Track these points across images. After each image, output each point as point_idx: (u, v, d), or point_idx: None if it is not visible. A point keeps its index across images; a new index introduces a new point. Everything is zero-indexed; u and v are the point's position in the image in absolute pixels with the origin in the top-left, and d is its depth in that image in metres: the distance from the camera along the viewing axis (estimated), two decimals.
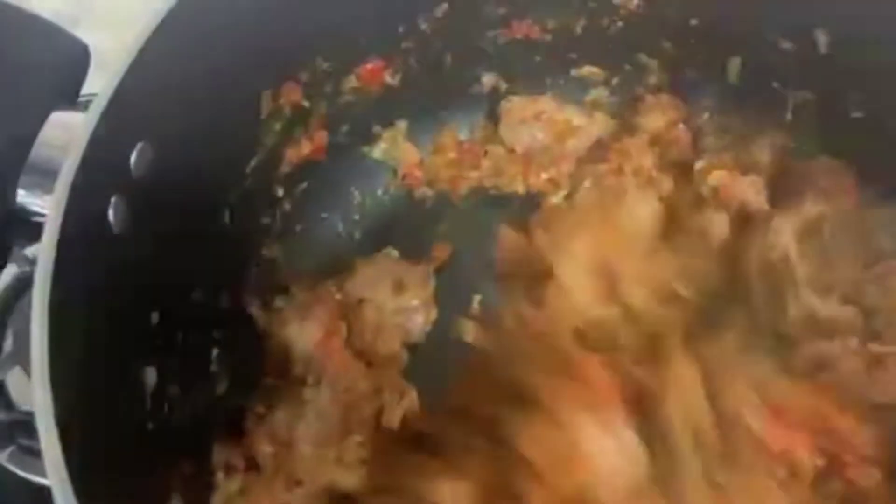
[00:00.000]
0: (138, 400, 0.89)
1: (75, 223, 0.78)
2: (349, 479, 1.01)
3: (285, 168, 1.17)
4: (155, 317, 0.95)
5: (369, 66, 1.17)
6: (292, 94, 1.11)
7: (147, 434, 0.90)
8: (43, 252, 0.75)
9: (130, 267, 0.87)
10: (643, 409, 0.92)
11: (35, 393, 0.69)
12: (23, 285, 1.18)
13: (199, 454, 1.01)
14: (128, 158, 0.85)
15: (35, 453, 1.17)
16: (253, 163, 1.12)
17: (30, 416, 0.99)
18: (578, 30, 1.22)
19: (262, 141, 1.12)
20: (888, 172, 1.12)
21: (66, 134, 0.85)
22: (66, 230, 0.76)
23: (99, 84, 0.82)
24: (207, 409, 1.04)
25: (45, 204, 0.83)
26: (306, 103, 1.14)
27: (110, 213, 0.83)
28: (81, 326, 0.78)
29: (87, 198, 0.79)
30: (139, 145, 0.86)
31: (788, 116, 1.20)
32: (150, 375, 0.93)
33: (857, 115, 1.14)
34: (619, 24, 1.21)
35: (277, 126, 1.13)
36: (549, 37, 1.23)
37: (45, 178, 0.82)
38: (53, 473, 0.67)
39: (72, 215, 0.77)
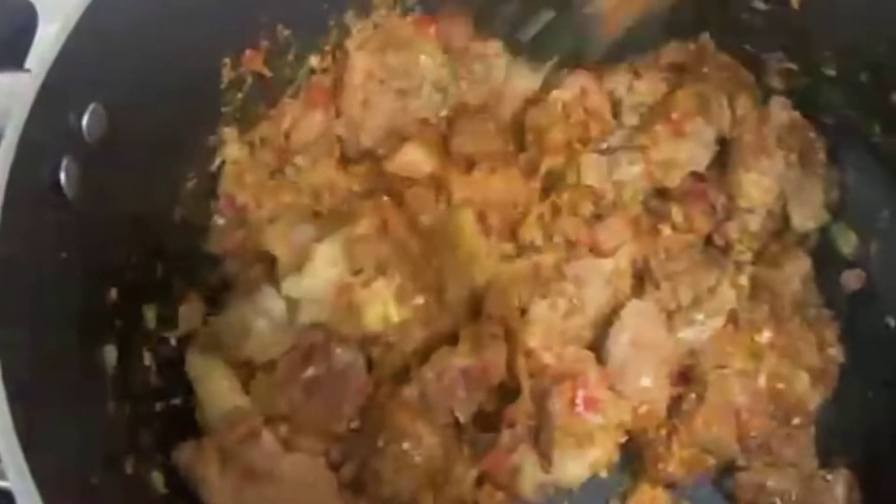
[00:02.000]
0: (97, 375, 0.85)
1: (24, 185, 0.74)
2: None
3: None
4: (113, 293, 0.91)
5: None
6: (253, 63, 1.07)
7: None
8: None
9: (87, 236, 0.83)
10: None
11: None
12: None
13: None
14: (79, 120, 0.81)
15: None
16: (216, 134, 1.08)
17: None
18: None
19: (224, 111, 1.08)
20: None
21: (8, 96, 0.80)
22: (13, 192, 0.72)
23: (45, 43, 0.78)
24: None
25: None
26: (268, 73, 1.10)
27: (62, 176, 0.78)
28: (28, 293, 0.73)
29: (35, 159, 0.75)
30: (91, 106, 0.81)
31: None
32: (111, 354, 0.89)
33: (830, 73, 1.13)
34: None
35: (238, 97, 1.09)
36: None
37: None
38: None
39: (19, 177, 0.73)
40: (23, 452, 0.63)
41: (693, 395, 1.04)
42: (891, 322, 1.11)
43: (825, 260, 1.15)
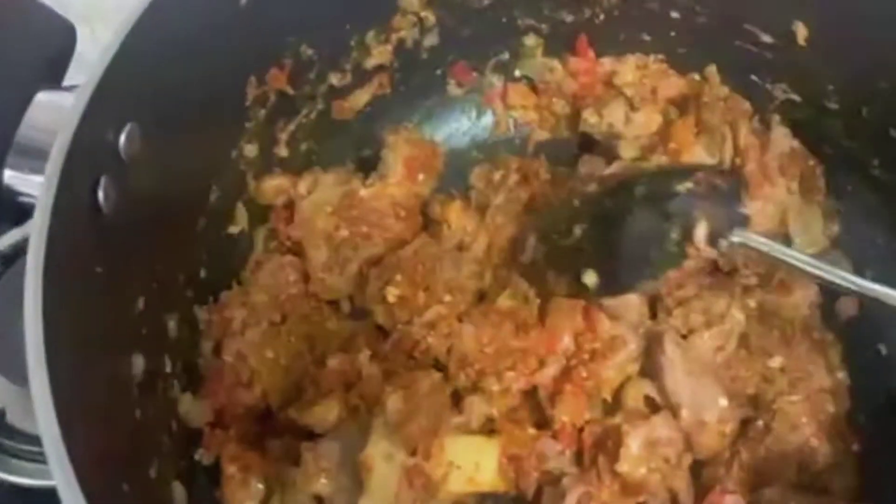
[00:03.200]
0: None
1: (66, 205, 0.76)
2: None
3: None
4: (141, 303, 0.94)
5: None
6: (276, 81, 1.11)
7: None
8: (35, 234, 0.73)
9: (120, 249, 0.86)
10: None
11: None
12: None
13: None
14: (117, 139, 0.84)
15: (11, 453, 1.16)
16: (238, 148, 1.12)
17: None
18: None
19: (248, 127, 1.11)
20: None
21: (52, 115, 0.83)
22: (58, 213, 0.75)
23: (85, 67, 0.81)
24: None
25: (31, 185, 0.81)
26: (290, 90, 1.13)
27: (100, 194, 0.81)
28: (74, 310, 0.77)
29: (76, 179, 0.78)
30: (128, 126, 0.84)
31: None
32: (138, 362, 0.92)
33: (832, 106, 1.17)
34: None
35: (262, 113, 1.12)
36: None
37: (32, 158, 0.81)
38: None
39: (62, 197, 0.76)
40: (68, 455, 0.66)
41: (760, 423, 1.06)
42: (882, 349, 1.15)
43: (822, 287, 1.19)
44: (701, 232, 0.97)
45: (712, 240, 0.97)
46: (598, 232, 1.06)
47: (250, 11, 0.99)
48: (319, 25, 1.11)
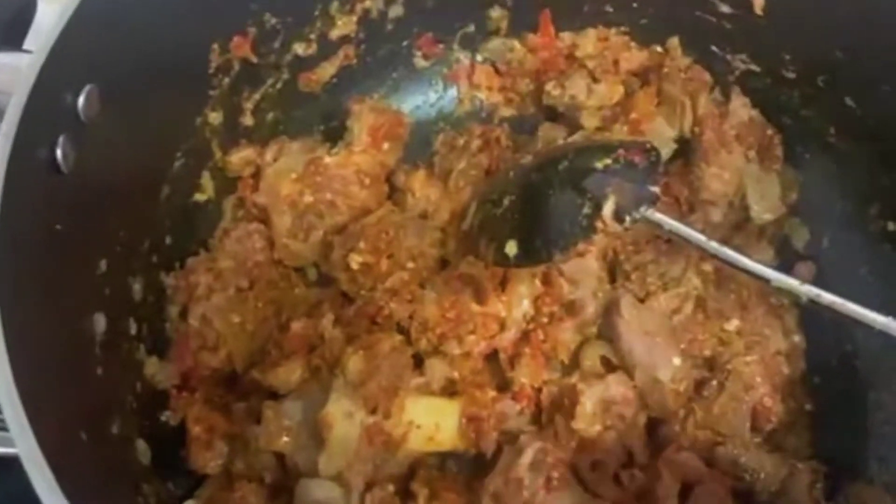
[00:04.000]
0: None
1: (23, 163, 0.78)
2: None
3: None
4: (103, 264, 0.95)
5: None
6: (240, 49, 1.12)
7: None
8: None
9: (80, 209, 0.88)
10: None
11: None
12: None
13: None
14: (75, 101, 0.85)
15: None
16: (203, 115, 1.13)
17: None
18: None
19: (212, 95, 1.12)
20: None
21: (10, 75, 0.85)
22: (14, 170, 0.77)
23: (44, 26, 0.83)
24: None
25: None
26: (254, 59, 1.15)
27: (58, 153, 0.83)
28: (32, 265, 0.78)
29: (33, 136, 0.80)
30: (87, 88, 0.86)
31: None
32: (100, 322, 0.93)
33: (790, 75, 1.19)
34: None
35: (226, 81, 1.13)
36: None
37: None
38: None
39: (18, 153, 0.77)
40: (23, 406, 0.67)
41: (715, 382, 1.08)
42: None
43: (779, 252, 1.22)
44: (609, 208, 0.99)
45: (619, 216, 0.99)
46: (522, 204, 1.08)
47: None
48: None
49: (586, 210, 1.00)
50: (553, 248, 1.02)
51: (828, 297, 0.90)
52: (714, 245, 0.98)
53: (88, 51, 0.87)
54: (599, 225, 0.99)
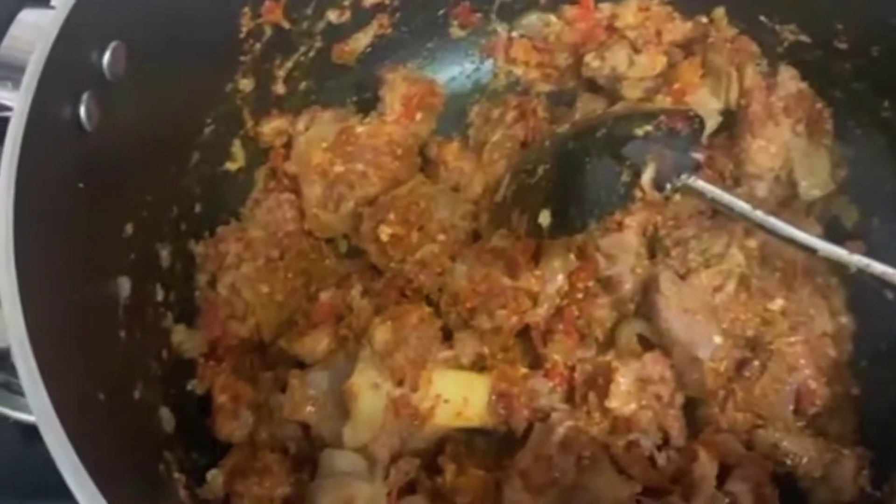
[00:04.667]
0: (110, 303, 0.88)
1: (45, 118, 0.77)
2: None
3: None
4: (129, 228, 0.94)
5: None
6: (272, 14, 1.10)
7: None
8: (8, 144, 0.74)
9: (105, 170, 0.86)
10: None
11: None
12: None
13: None
14: (100, 58, 0.84)
15: (16, 390, 1.17)
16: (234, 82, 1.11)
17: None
18: None
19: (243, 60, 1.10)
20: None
21: (35, 32, 0.83)
22: (34, 123, 0.75)
23: None
24: None
25: (13, 98, 0.81)
26: (287, 24, 1.12)
27: (82, 110, 0.81)
28: (52, 222, 0.77)
29: (55, 92, 0.78)
30: (112, 45, 0.84)
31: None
32: (124, 285, 0.92)
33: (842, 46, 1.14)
34: None
35: (257, 47, 1.11)
36: None
37: (15, 72, 0.81)
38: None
39: (40, 109, 0.76)
40: (36, 361, 0.66)
41: (756, 363, 1.03)
42: (888, 294, 1.12)
43: (828, 231, 1.16)
44: (648, 175, 0.95)
45: (658, 183, 0.95)
46: (557, 173, 1.04)
47: None
48: None
49: (624, 178, 0.96)
50: (588, 217, 0.98)
51: (879, 267, 0.85)
52: (759, 214, 0.93)
53: (115, 7, 0.85)
54: (638, 193, 0.95)
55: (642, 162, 0.96)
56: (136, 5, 0.87)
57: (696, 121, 0.98)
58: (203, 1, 0.98)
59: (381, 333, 0.99)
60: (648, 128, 0.99)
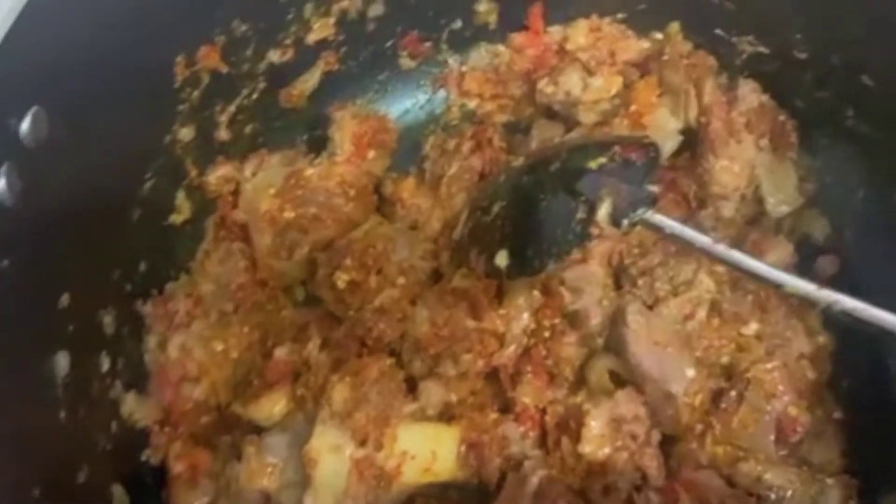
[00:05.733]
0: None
1: None
2: None
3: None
4: (65, 300, 0.89)
5: None
6: (209, 59, 1.05)
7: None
8: None
9: (32, 243, 0.81)
10: None
11: None
12: None
13: None
14: (19, 125, 0.79)
15: None
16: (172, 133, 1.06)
17: None
18: None
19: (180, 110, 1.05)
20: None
21: None
22: None
23: None
24: None
25: None
26: (225, 69, 1.08)
27: (1, 183, 0.76)
28: None
29: None
30: (32, 110, 0.79)
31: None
32: (62, 361, 0.87)
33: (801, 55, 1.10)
34: None
35: (195, 95, 1.06)
36: None
37: None
38: None
39: None
40: None
41: (733, 393, 0.99)
42: None
43: (799, 247, 1.13)
44: (604, 211, 0.92)
45: (615, 219, 0.92)
46: (512, 210, 1.01)
47: None
48: None
49: (580, 214, 0.92)
50: (546, 257, 0.94)
51: (849, 303, 0.81)
52: (720, 248, 0.89)
53: (32, 70, 0.80)
54: (594, 231, 0.91)
55: (597, 197, 0.92)
56: (54, 66, 0.82)
57: (652, 149, 0.95)
58: (130, 56, 0.92)
59: (340, 392, 0.94)
60: (602, 160, 0.95)
